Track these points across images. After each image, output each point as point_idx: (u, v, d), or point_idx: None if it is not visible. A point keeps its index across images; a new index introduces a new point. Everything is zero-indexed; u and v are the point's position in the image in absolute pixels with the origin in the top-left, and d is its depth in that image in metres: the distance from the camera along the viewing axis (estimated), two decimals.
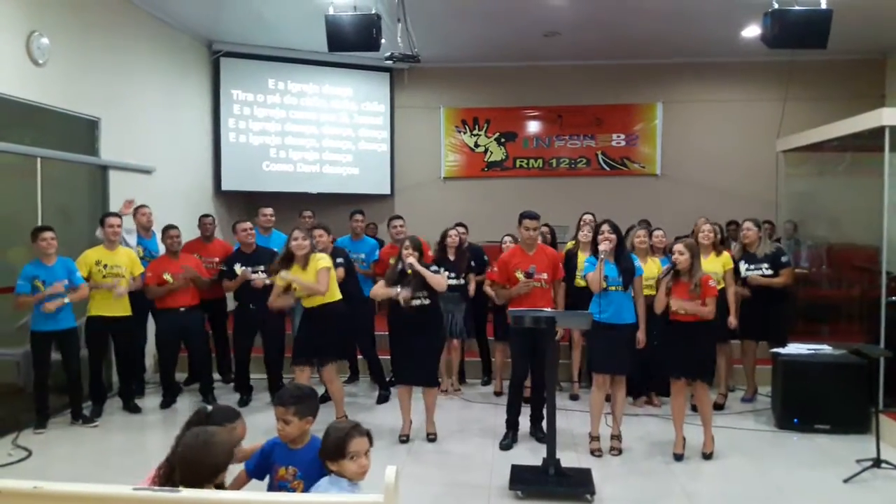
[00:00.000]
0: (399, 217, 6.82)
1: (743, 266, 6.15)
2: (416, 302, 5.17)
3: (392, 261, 6.31)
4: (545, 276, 5.23)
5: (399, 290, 5.08)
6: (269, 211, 6.97)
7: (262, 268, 6.19)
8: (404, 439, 5.34)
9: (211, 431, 2.38)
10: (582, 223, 6.46)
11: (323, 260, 5.35)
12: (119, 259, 5.90)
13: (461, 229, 6.84)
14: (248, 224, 6.38)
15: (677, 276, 4.86)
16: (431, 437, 5.38)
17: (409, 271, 5.10)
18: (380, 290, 5.26)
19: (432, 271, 5.19)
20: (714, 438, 5.01)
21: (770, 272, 6.06)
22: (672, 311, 4.89)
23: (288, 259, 5.30)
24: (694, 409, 5.69)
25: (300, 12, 7.62)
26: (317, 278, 5.24)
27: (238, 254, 6.37)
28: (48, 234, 5.44)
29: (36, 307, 5.40)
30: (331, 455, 2.56)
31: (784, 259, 6.17)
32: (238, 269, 6.24)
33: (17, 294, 5.36)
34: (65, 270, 5.55)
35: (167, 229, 6.29)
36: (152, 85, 7.69)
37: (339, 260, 6.01)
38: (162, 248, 6.51)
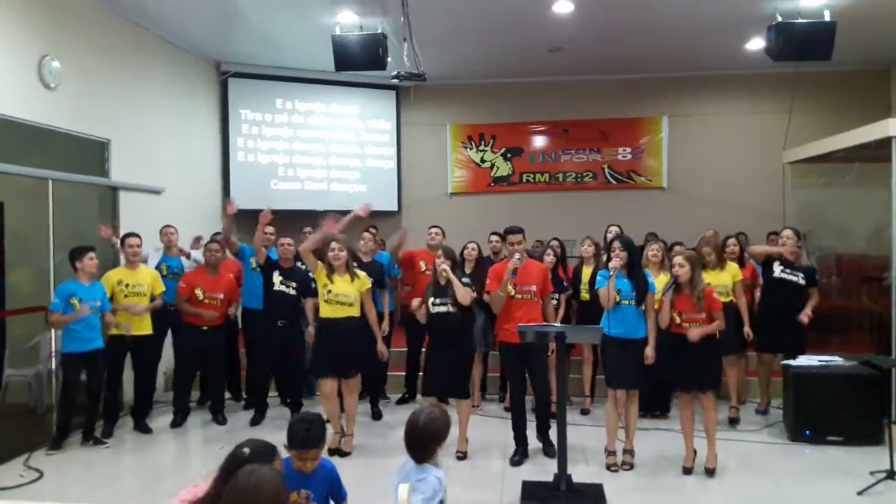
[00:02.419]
0: (436, 226, 6.85)
1: (777, 267, 6.08)
2: (441, 309, 5.19)
3: (422, 265, 6.48)
4: (534, 288, 5.20)
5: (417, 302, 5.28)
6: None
7: (294, 284, 6.23)
8: None
9: (262, 473, 2.27)
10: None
11: (367, 280, 5.53)
12: (141, 278, 5.96)
13: (495, 238, 6.88)
14: (289, 239, 6.35)
15: (679, 289, 4.86)
16: (461, 455, 5.30)
17: (443, 276, 5.15)
18: (416, 307, 5.39)
19: (463, 283, 5.23)
20: (717, 455, 4.95)
21: (804, 283, 6.02)
22: (676, 324, 4.89)
23: (330, 269, 5.40)
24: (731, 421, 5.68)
25: (307, 33, 7.71)
26: (362, 298, 5.45)
27: (276, 264, 6.32)
28: (93, 254, 5.56)
29: (65, 331, 5.45)
30: (442, 439, 2.76)
31: (817, 277, 6.16)
32: (275, 276, 6.23)
33: (52, 311, 5.42)
34: (100, 293, 5.62)
35: (208, 243, 6.39)
36: (161, 106, 7.78)
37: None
38: (186, 266, 6.59)
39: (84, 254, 5.51)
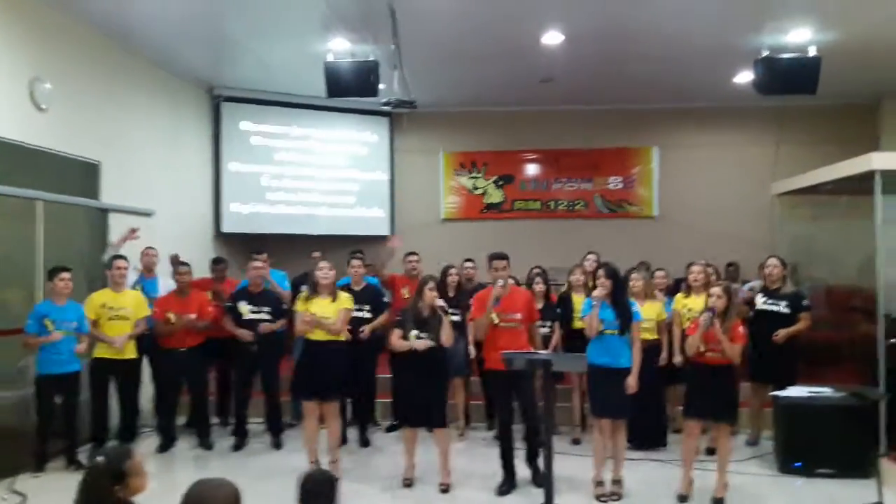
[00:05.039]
0: (414, 252, 6.89)
1: (760, 299, 6.14)
2: (427, 344, 5.14)
3: (405, 292, 6.42)
4: (519, 316, 5.16)
5: (416, 341, 5.11)
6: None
7: (266, 309, 6.22)
8: (408, 483, 5.26)
9: (217, 485, 2.38)
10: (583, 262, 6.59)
11: (349, 301, 5.50)
12: (125, 301, 5.92)
13: (469, 264, 6.94)
14: (259, 262, 6.36)
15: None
16: (444, 489, 5.18)
17: (436, 311, 5.09)
18: (397, 342, 5.19)
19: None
20: (728, 485, 4.93)
21: (787, 311, 6.03)
22: (697, 352, 4.88)
23: (314, 289, 5.39)
24: (709, 452, 5.62)
25: (300, 59, 7.76)
26: (338, 316, 5.35)
27: (244, 292, 6.35)
28: (65, 275, 5.52)
29: (40, 352, 5.41)
30: None
31: (805, 303, 6.12)
32: (242, 307, 6.23)
33: (27, 333, 5.40)
34: (75, 313, 5.58)
35: (176, 267, 6.36)
36: (153, 129, 7.80)
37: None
38: (162, 290, 6.53)
39: (55, 275, 5.49)
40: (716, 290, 4.90)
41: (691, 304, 5.86)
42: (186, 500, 2.32)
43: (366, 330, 6.06)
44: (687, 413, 5.04)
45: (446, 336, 5.11)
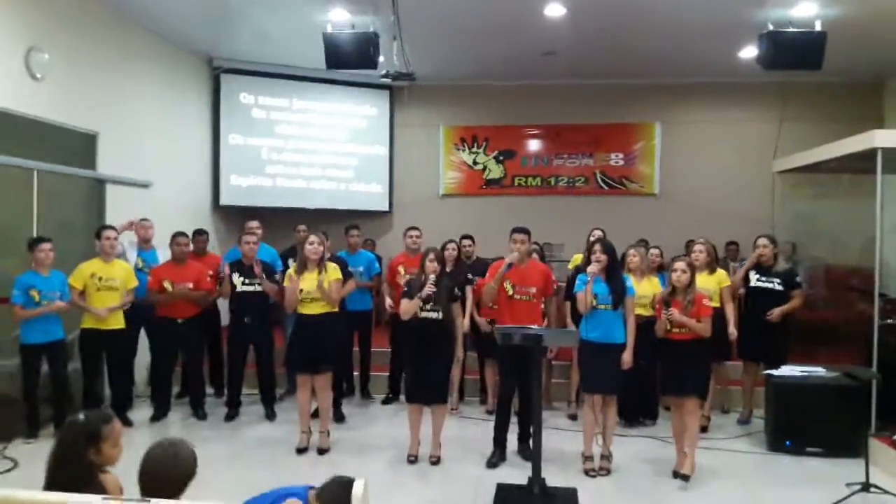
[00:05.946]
0: (415, 228, 6.83)
1: (753, 276, 6.13)
2: (431, 315, 5.14)
3: (401, 270, 6.43)
4: (534, 290, 5.21)
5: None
6: (254, 224, 6.97)
7: (257, 280, 6.22)
8: (413, 459, 5.26)
9: (177, 443, 2.46)
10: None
11: (336, 271, 5.50)
12: (114, 272, 5.92)
13: (468, 242, 6.92)
14: (253, 238, 6.39)
15: (673, 295, 4.87)
16: (434, 461, 5.23)
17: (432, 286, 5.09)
18: (409, 306, 5.14)
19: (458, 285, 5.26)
20: (695, 464, 4.90)
21: (781, 288, 6.02)
22: (666, 329, 4.90)
23: (302, 264, 5.40)
24: (702, 430, 5.63)
25: (299, 30, 7.68)
26: (331, 287, 5.37)
27: (237, 264, 6.34)
28: (46, 246, 5.55)
29: (25, 322, 5.46)
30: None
31: (798, 280, 6.14)
32: (235, 279, 6.22)
33: (14, 304, 5.44)
34: (59, 283, 5.63)
35: (175, 236, 6.36)
36: (151, 100, 7.77)
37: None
38: (161, 261, 6.55)
39: (36, 245, 5.53)
40: (679, 265, 4.92)
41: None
42: (145, 462, 2.43)
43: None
44: (662, 391, 5.13)
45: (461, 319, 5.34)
